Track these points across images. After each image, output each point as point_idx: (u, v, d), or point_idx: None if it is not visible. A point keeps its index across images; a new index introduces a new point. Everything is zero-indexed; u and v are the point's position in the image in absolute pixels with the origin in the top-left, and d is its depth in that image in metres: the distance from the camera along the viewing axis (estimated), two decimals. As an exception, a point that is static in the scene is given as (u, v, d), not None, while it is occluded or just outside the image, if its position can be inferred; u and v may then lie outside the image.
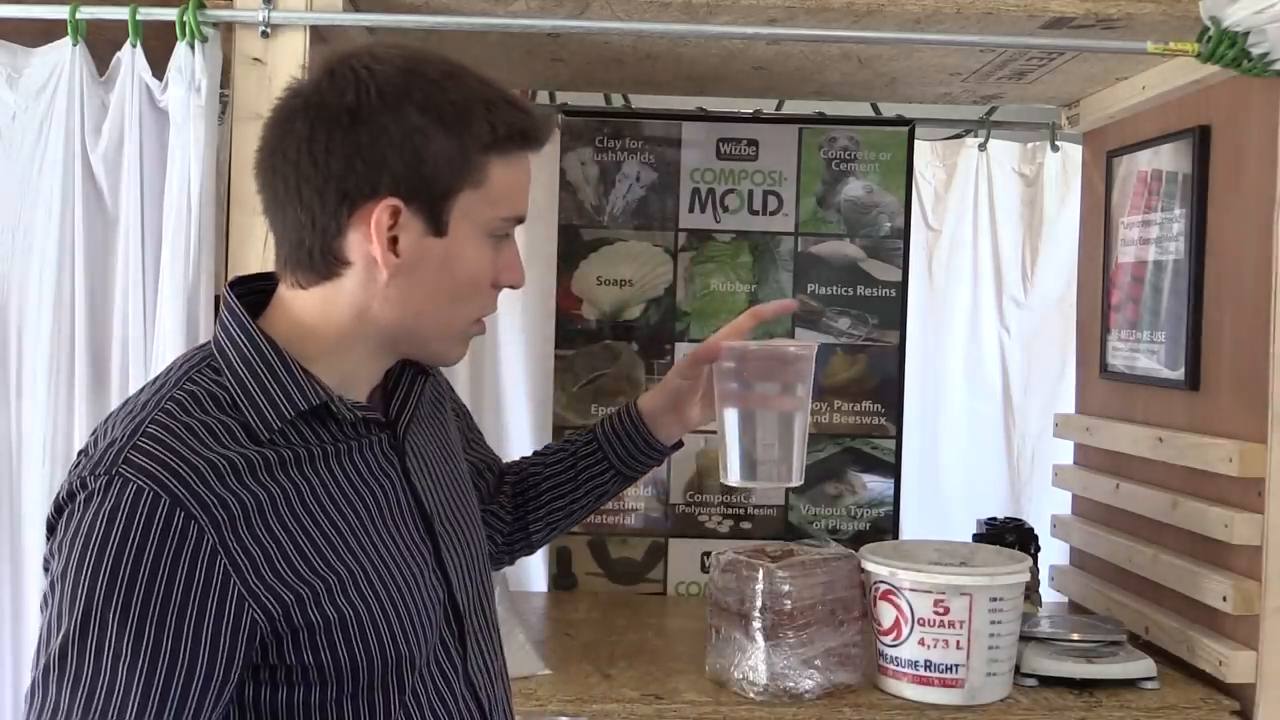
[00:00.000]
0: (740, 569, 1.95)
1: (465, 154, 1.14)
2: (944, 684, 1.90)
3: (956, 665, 1.90)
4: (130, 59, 1.86)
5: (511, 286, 1.24)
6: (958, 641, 1.89)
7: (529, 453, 1.66)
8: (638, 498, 2.66)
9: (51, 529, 1.09)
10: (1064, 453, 2.71)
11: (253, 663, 1.09)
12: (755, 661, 1.92)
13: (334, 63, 1.16)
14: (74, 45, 1.86)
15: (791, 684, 1.91)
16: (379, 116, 1.12)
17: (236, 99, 1.88)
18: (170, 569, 1.03)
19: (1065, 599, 2.63)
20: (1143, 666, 2.01)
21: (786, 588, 1.91)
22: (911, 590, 1.91)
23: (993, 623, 1.90)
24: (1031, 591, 2.35)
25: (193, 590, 1.03)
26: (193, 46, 1.83)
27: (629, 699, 1.92)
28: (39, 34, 1.88)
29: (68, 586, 1.03)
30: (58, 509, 1.08)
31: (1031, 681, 2.00)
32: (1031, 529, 2.46)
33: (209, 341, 1.19)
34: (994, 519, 2.49)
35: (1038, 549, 2.45)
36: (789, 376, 1.46)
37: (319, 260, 1.15)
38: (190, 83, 1.83)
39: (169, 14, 1.84)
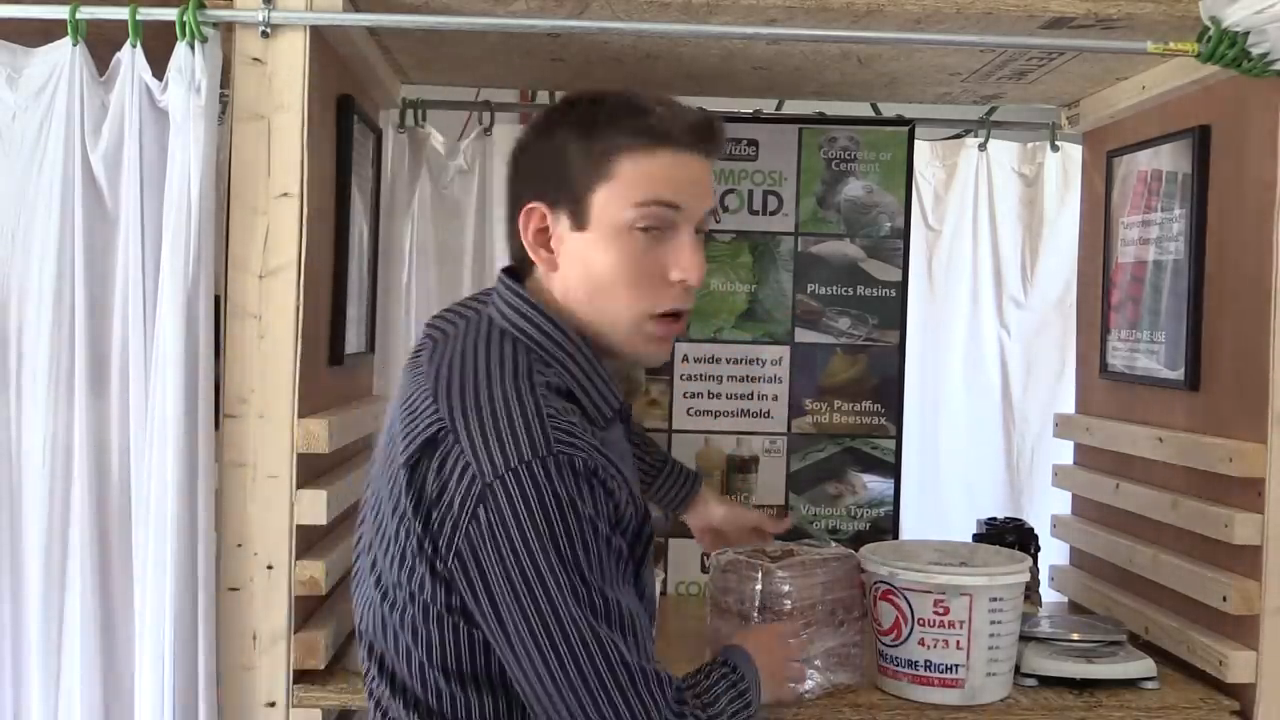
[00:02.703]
0: (740, 569, 1.95)
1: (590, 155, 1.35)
2: (944, 684, 1.90)
3: (956, 665, 1.90)
4: (130, 59, 1.86)
5: (684, 280, 1.35)
6: (958, 641, 1.89)
7: None
8: (638, 498, 2.66)
9: (430, 508, 1.25)
10: (1064, 453, 2.71)
11: None
12: (755, 661, 1.92)
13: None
14: (74, 45, 1.86)
15: (791, 684, 1.91)
16: (539, 139, 1.39)
17: (236, 99, 1.88)
18: (608, 526, 1.24)
19: (1065, 599, 2.63)
20: (1143, 666, 2.01)
21: (786, 588, 1.91)
22: (911, 590, 1.90)
23: (993, 623, 1.90)
24: (1031, 591, 2.35)
25: (617, 545, 1.25)
26: (193, 47, 1.83)
27: (629, 699, 1.92)
28: (39, 34, 1.88)
29: (545, 546, 1.20)
30: (479, 496, 1.22)
31: (1031, 681, 2.00)
32: (1031, 529, 2.46)
33: (506, 330, 1.33)
34: (994, 519, 2.49)
35: (1038, 549, 2.45)
36: None
37: (522, 254, 1.39)
38: (190, 83, 1.83)
39: (169, 14, 1.84)
